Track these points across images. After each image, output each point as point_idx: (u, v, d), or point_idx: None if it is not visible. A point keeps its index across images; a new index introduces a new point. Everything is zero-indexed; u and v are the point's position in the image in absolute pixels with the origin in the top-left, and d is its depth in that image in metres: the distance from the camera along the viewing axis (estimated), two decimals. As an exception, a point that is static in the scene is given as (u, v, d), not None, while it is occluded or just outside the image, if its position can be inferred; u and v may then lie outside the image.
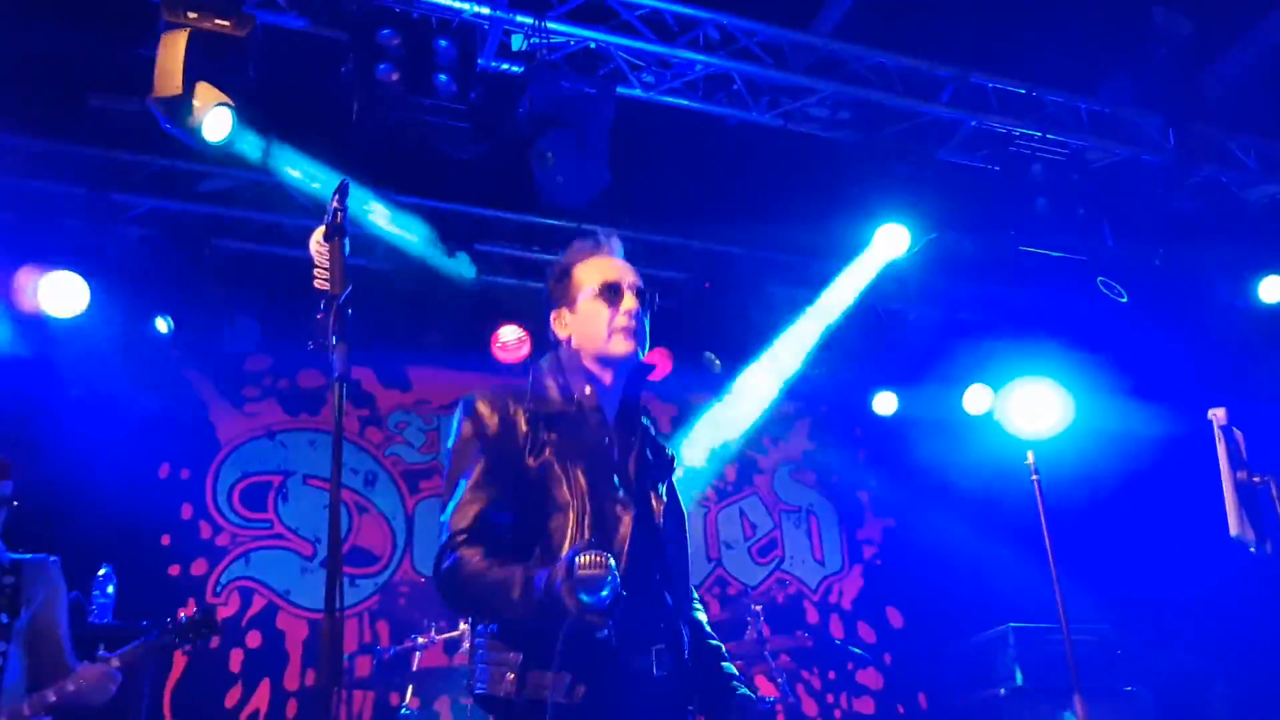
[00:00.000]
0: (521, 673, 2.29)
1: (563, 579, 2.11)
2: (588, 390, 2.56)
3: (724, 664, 2.61)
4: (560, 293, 2.63)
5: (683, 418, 7.95)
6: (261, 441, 6.83)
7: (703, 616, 2.66)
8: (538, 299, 6.86)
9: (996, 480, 5.95)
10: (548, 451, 2.45)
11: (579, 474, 2.43)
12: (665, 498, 2.56)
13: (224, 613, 6.34)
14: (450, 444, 2.51)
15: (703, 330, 7.11)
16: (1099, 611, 5.80)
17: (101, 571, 4.82)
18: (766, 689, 6.01)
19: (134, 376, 6.32)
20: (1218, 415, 3.33)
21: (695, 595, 2.69)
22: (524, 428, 2.48)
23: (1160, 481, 6.39)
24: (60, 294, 5.67)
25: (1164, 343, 6.57)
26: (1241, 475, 3.24)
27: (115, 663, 3.55)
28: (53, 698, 3.51)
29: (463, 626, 5.50)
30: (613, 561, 2.10)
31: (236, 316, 6.47)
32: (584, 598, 2.09)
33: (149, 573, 6.19)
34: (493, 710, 2.35)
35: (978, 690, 6.21)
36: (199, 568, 6.40)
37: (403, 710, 5.39)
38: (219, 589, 6.39)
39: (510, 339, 6.80)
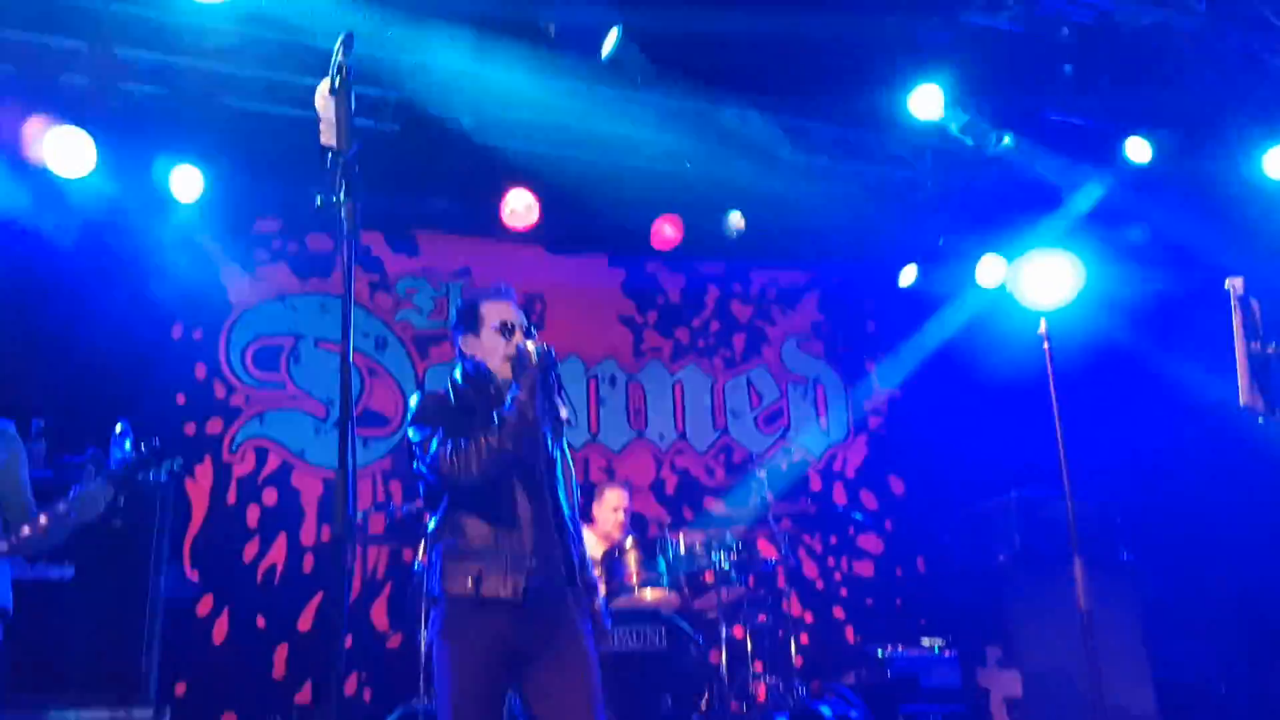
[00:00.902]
0: (478, 578, 3.03)
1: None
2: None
3: None
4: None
5: (692, 286, 7.95)
6: (273, 304, 6.86)
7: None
8: (547, 163, 6.82)
9: (1006, 351, 5.95)
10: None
11: None
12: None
13: (240, 470, 6.47)
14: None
15: (713, 197, 7.03)
16: (1103, 480, 5.86)
17: (118, 428, 4.87)
18: (769, 552, 6.15)
19: (143, 237, 6.32)
20: (1235, 285, 3.30)
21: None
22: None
23: (1172, 351, 6.38)
24: (67, 151, 5.60)
25: (1184, 212, 6.47)
26: (1255, 345, 3.23)
27: (62, 508, 3.52)
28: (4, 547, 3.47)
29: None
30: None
31: (244, 177, 6.40)
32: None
33: (166, 431, 6.23)
34: (449, 605, 3.08)
35: (977, 555, 6.34)
36: (214, 427, 6.50)
37: (415, 566, 5.54)
38: (234, 447, 6.51)
39: (520, 205, 6.74)
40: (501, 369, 3.31)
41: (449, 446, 3.08)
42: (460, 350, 3.43)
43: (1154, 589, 5.10)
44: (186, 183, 6.07)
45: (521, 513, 3.13)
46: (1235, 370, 3.24)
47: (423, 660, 4.64)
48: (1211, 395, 3.91)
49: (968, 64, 5.74)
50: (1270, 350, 3.23)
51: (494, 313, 3.39)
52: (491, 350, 3.35)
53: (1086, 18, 5.63)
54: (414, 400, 3.34)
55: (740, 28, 5.35)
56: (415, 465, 3.25)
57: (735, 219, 7.10)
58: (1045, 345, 3.55)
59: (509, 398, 3.13)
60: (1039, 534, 5.99)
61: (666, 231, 7.19)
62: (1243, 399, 3.28)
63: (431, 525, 3.22)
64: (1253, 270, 3.41)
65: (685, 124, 6.48)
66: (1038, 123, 6.25)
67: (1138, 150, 6.25)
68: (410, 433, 3.25)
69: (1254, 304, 3.28)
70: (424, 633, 4.15)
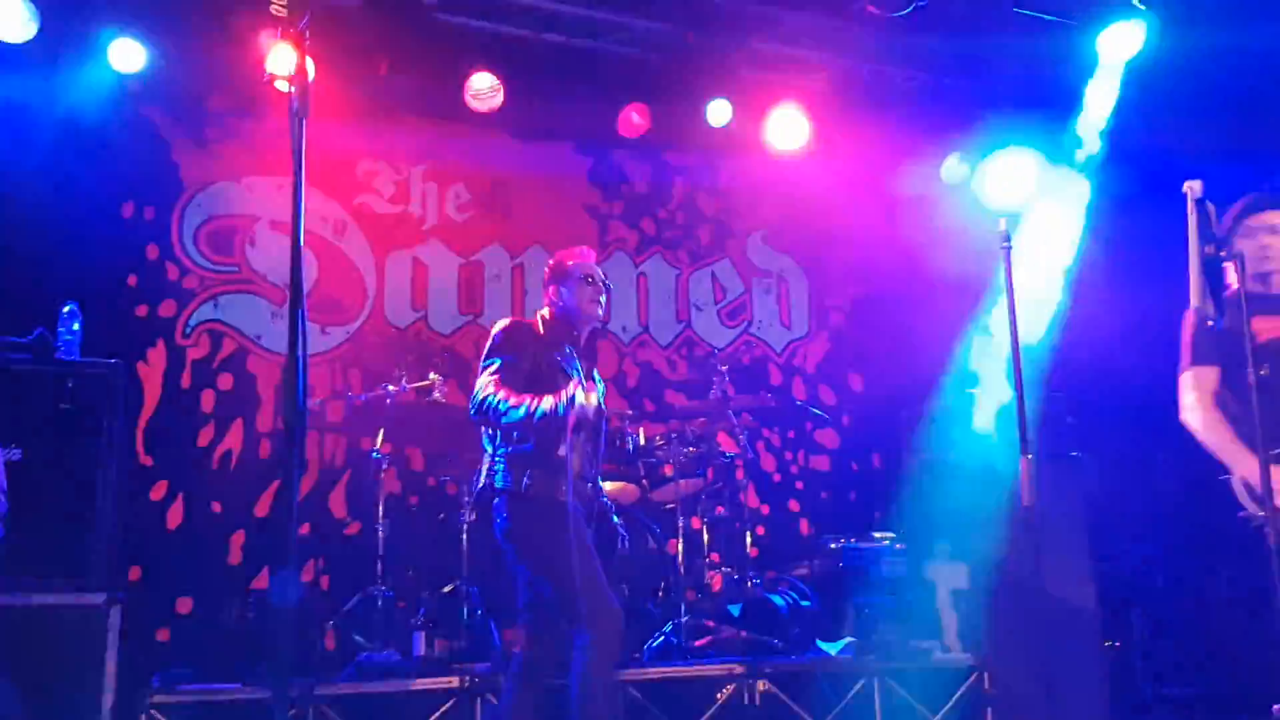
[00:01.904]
0: (532, 478, 3.85)
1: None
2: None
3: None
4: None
5: (659, 177, 7.84)
6: (227, 185, 6.68)
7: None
8: (511, 44, 6.64)
9: (969, 253, 5.94)
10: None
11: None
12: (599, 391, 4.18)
13: (194, 354, 6.39)
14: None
15: (680, 85, 6.87)
16: (1057, 380, 5.93)
17: (66, 309, 4.78)
18: (728, 445, 6.21)
19: (90, 111, 6.10)
20: (1193, 187, 3.28)
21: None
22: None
23: (1132, 254, 6.40)
24: (6, 18, 5.36)
25: (1152, 112, 6.42)
26: (1209, 249, 3.23)
27: None
28: None
29: (433, 376, 5.60)
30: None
31: (196, 51, 6.17)
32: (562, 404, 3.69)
33: (117, 313, 6.19)
34: (509, 499, 3.88)
35: (930, 451, 6.42)
36: (167, 309, 6.39)
37: (374, 454, 5.54)
38: (188, 331, 6.41)
39: (483, 87, 6.56)
40: (587, 310, 4.14)
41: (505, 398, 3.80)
42: (552, 295, 4.19)
43: (1100, 485, 5.20)
44: (126, 55, 5.85)
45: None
46: (1188, 273, 3.25)
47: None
48: (1166, 297, 3.93)
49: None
50: (1224, 255, 3.23)
51: (580, 268, 4.17)
52: (580, 295, 4.12)
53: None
54: (503, 325, 4.07)
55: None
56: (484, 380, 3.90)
57: (718, 110, 6.96)
58: (1005, 245, 3.53)
59: (559, 404, 3.72)
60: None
61: (634, 120, 7.05)
62: (1194, 301, 3.30)
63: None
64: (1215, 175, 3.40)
65: (650, 7, 6.30)
66: (1007, 16, 6.13)
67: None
68: (492, 354, 3.98)
69: (1210, 208, 3.27)
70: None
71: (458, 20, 6.23)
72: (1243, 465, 3.57)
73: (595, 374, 4.27)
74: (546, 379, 3.90)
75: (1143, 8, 5.92)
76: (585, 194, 7.62)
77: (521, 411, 3.72)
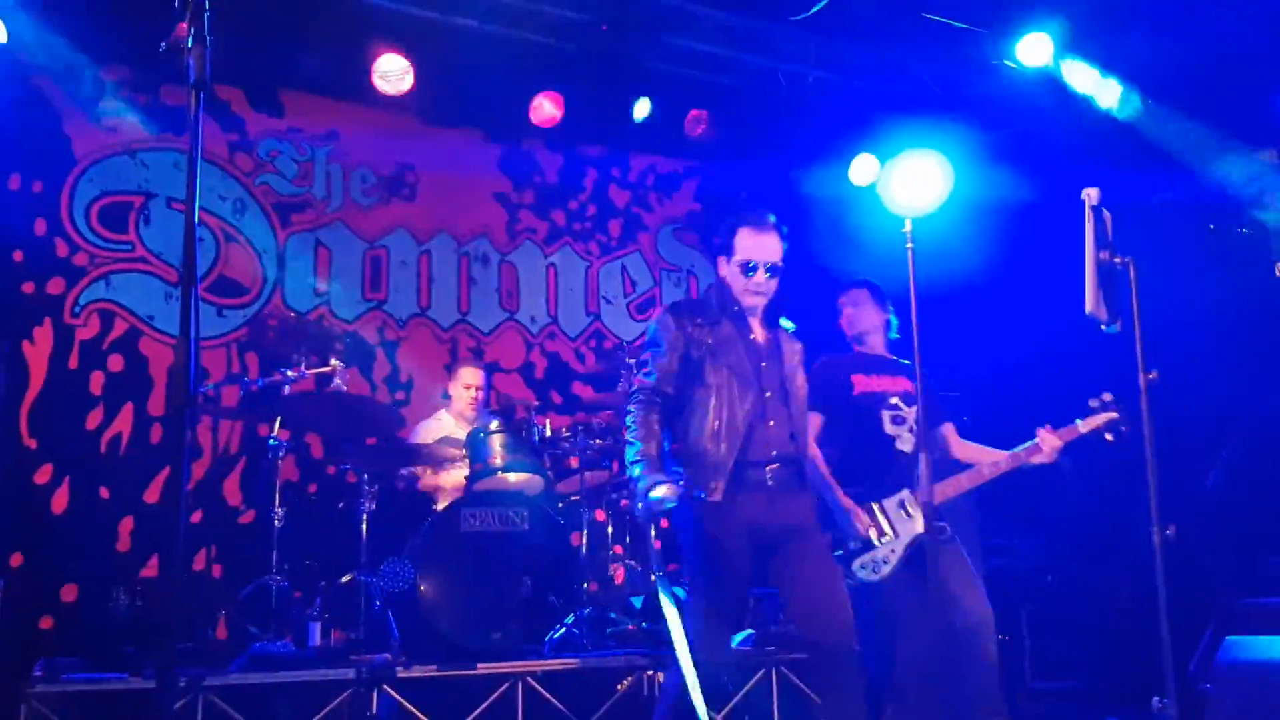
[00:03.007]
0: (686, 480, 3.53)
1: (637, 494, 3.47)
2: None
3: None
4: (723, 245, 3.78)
5: (570, 168, 7.80)
6: (121, 159, 6.44)
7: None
8: (422, 26, 6.54)
9: (875, 251, 6.03)
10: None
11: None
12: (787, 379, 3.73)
13: (83, 334, 6.15)
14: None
15: (594, 76, 6.85)
16: (955, 378, 6.05)
17: (-55, 283, 4.56)
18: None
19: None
20: (1090, 195, 3.38)
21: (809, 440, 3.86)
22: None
23: (1035, 258, 6.57)
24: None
25: (1052, 123, 6.61)
26: (1104, 255, 3.33)
27: None
28: None
29: (334, 362, 5.47)
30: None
31: (89, 19, 5.93)
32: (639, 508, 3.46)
33: (1, 290, 5.94)
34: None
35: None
36: (55, 286, 6.14)
37: (270, 440, 5.40)
38: (77, 309, 6.17)
39: (392, 69, 6.44)
40: (744, 298, 3.71)
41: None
42: (716, 267, 3.87)
43: (994, 484, 5.32)
44: (12, 21, 5.60)
45: None
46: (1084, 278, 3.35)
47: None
48: (1062, 301, 4.05)
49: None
50: (1118, 261, 3.33)
51: (745, 249, 3.69)
52: (734, 279, 3.72)
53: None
54: (660, 318, 3.73)
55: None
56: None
57: (642, 106, 6.96)
58: (909, 246, 3.59)
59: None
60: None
61: (547, 109, 7.01)
62: (1088, 307, 3.40)
63: None
64: (1112, 183, 3.50)
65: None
66: (916, 22, 6.25)
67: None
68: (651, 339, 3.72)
69: (1106, 215, 3.37)
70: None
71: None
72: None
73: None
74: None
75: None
76: (495, 182, 7.55)
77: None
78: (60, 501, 5.89)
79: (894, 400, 4.39)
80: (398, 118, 6.97)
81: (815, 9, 5.81)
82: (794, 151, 7.58)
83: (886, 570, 4.10)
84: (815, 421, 4.29)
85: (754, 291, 3.69)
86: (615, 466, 6.01)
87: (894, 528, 4.18)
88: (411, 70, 6.42)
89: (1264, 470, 5.99)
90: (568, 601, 5.04)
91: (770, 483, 3.53)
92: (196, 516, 5.98)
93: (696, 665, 3.35)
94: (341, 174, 7.08)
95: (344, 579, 5.12)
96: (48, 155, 6.21)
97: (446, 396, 6.07)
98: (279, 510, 5.19)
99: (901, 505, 4.19)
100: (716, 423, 3.53)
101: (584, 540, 5.53)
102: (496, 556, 4.85)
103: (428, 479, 5.70)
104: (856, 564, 4.16)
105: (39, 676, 4.10)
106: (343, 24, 6.12)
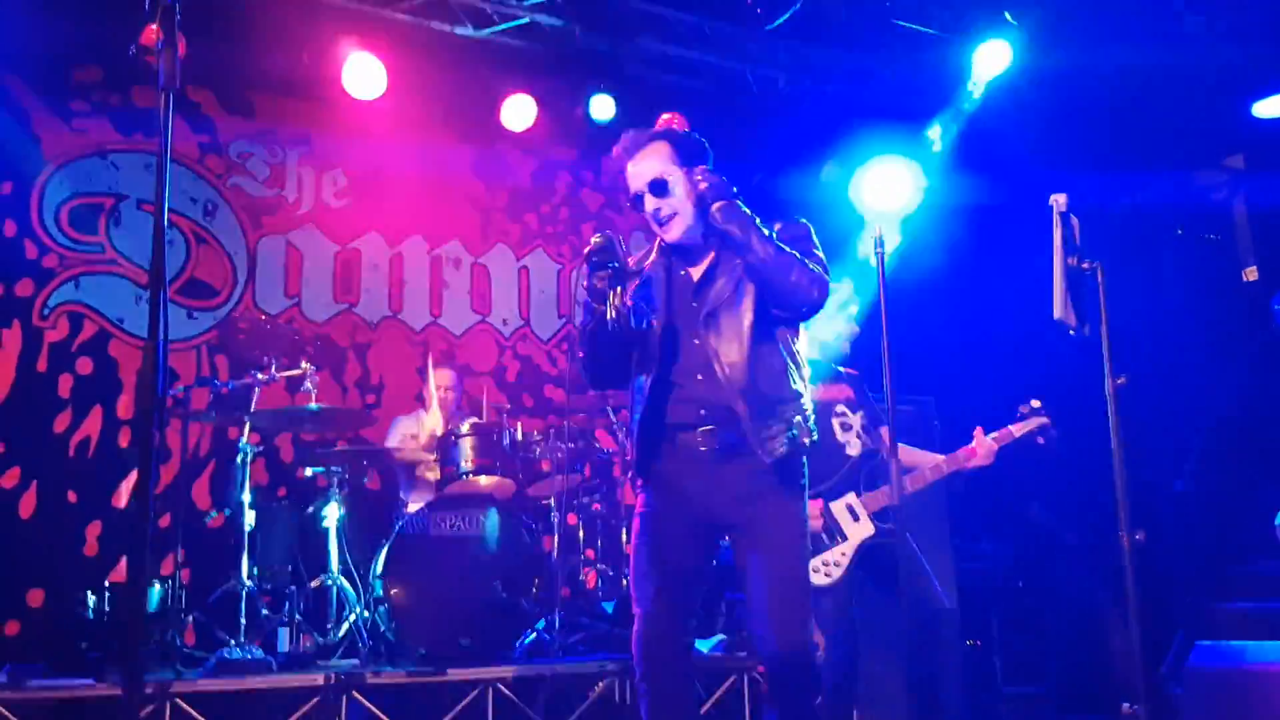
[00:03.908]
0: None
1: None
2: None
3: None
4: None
5: (544, 172, 7.80)
6: (92, 160, 6.39)
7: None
8: (395, 28, 6.51)
9: (846, 256, 6.06)
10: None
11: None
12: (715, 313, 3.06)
13: (52, 336, 6.10)
14: None
15: (566, 80, 6.85)
16: (924, 382, 6.09)
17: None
18: (606, 442, 6.21)
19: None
20: (1058, 200, 3.41)
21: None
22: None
23: (1004, 261, 6.63)
24: None
25: (1021, 128, 6.66)
26: (1072, 260, 3.36)
27: None
28: None
29: (305, 365, 5.44)
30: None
31: (64, 23, 5.88)
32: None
33: (-34, 290, 5.88)
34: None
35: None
36: (24, 288, 6.09)
37: (241, 444, 5.36)
38: (46, 312, 6.11)
39: (365, 72, 6.40)
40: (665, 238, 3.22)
41: None
42: None
43: (962, 490, 5.36)
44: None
45: None
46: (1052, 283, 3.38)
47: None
48: (1029, 306, 4.09)
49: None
50: (1086, 267, 3.37)
51: (630, 186, 3.22)
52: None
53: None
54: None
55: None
56: None
57: (602, 104, 6.93)
58: (878, 251, 3.61)
59: None
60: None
61: (519, 112, 6.99)
62: (1056, 313, 3.42)
63: None
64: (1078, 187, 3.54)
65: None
66: (887, 28, 6.30)
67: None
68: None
69: (1074, 221, 3.41)
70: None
71: (339, 1, 6.08)
72: None
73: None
74: None
75: (1013, 22, 6.13)
76: (468, 185, 7.54)
77: None
78: (28, 505, 5.84)
79: (840, 408, 4.41)
80: (371, 119, 6.94)
81: (782, 19, 5.82)
82: (765, 156, 7.60)
83: (839, 574, 4.12)
84: None
85: (660, 223, 3.14)
86: (587, 470, 6.01)
87: (843, 531, 4.21)
88: (384, 73, 6.40)
89: (1232, 475, 6.06)
90: (539, 606, 5.03)
91: (703, 449, 2.95)
92: (165, 520, 5.92)
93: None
94: (313, 176, 7.05)
95: (313, 584, 5.09)
96: (18, 156, 6.17)
97: (423, 401, 6.08)
98: (248, 514, 5.16)
99: (849, 509, 4.21)
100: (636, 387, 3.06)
101: (555, 545, 5.53)
102: (467, 561, 4.84)
103: (407, 453, 5.74)
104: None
105: (4, 682, 4.06)
106: (316, 26, 6.08)
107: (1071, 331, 3.45)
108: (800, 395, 3.05)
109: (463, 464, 5.28)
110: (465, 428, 5.38)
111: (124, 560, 5.76)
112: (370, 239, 7.17)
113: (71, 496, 5.92)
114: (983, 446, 4.30)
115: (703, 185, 3.12)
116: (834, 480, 4.26)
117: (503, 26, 6.42)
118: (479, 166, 7.57)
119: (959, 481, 6.11)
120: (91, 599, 4.91)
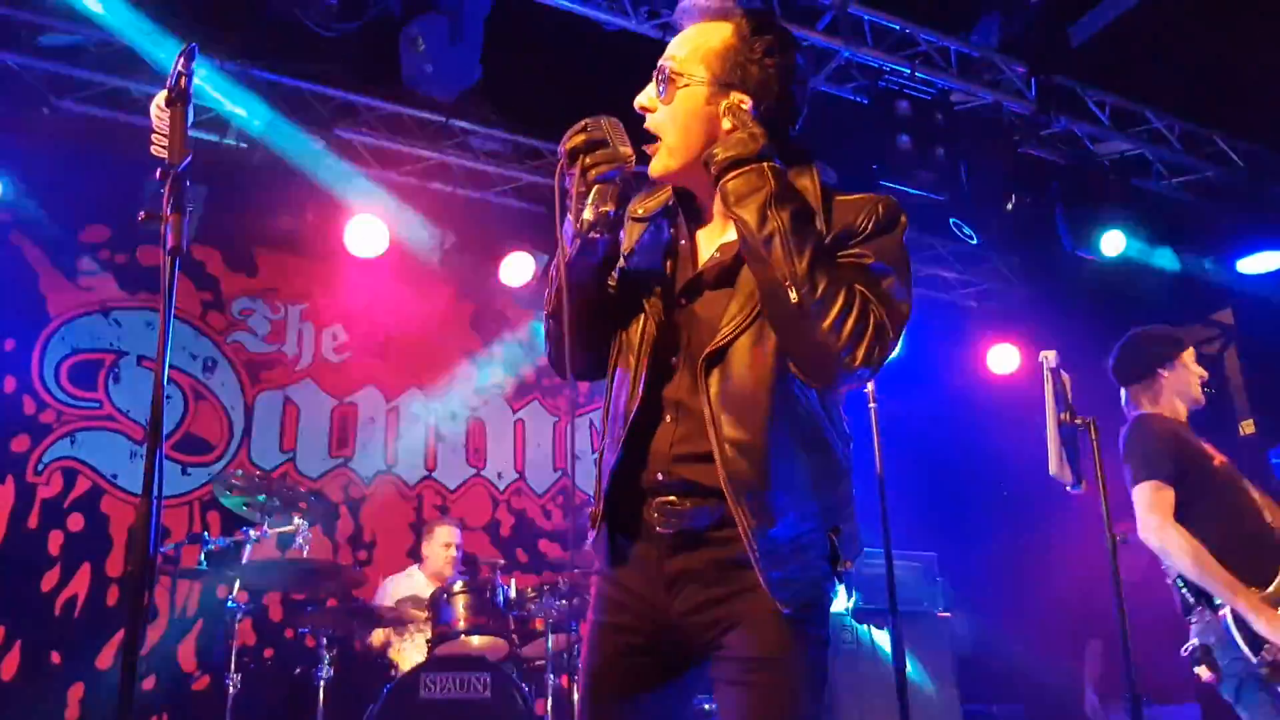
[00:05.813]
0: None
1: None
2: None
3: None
4: None
5: (540, 325, 7.91)
6: (95, 317, 6.49)
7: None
8: (399, 190, 6.71)
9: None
10: None
11: None
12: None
13: (45, 493, 6.07)
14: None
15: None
16: (924, 541, 6.06)
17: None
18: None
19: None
20: (1048, 358, 3.47)
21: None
22: None
23: (995, 419, 6.67)
24: None
25: (1008, 285, 6.81)
26: (1064, 416, 3.40)
27: None
28: None
29: (296, 521, 5.39)
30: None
31: (74, 183, 6.08)
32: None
33: (-38, 447, 5.88)
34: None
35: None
36: (20, 444, 6.08)
37: (229, 603, 5.26)
38: (40, 468, 6.10)
39: (368, 232, 6.57)
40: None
41: None
42: None
43: (966, 638, 5.29)
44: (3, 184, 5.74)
45: None
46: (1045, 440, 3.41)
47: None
48: (1025, 460, 4.11)
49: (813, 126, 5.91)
50: (1079, 422, 3.40)
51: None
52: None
53: (926, 94, 5.92)
54: None
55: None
56: None
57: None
58: (872, 405, 3.65)
59: None
60: (865, 590, 6.13)
61: (518, 269, 7.14)
62: (1051, 469, 3.44)
63: None
64: (1067, 345, 3.60)
65: (542, 165, 6.48)
66: (873, 188, 6.48)
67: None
68: None
69: (1065, 377, 3.46)
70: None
71: (344, 165, 6.29)
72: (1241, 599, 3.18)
73: None
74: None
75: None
76: (466, 340, 7.63)
77: None
78: (9, 667, 5.69)
79: None
80: (372, 276, 7.09)
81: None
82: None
83: None
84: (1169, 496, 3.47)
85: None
86: (582, 629, 5.89)
87: None
88: (386, 232, 6.56)
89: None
90: (532, 771, 4.86)
91: (661, 529, 1.91)
92: (149, 683, 5.78)
93: None
94: (313, 331, 7.15)
95: (300, 749, 4.93)
96: (22, 313, 6.27)
97: (419, 557, 6.02)
98: (234, 676, 5.03)
99: None
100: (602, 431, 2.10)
101: (549, 707, 5.37)
102: (459, 724, 4.70)
103: (391, 651, 5.58)
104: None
105: None
106: (321, 190, 6.26)
107: (1068, 488, 3.46)
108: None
109: (454, 623, 5.17)
110: (458, 585, 5.30)
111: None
112: (367, 393, 7.21)
113: (55, 657, 5.78)
114: None
115: (725, 129, 1.95)
116: None
117: (503, 187, 6.62)
118: (477, 321, 7.68)
119: (965, 631, 6.04)
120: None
